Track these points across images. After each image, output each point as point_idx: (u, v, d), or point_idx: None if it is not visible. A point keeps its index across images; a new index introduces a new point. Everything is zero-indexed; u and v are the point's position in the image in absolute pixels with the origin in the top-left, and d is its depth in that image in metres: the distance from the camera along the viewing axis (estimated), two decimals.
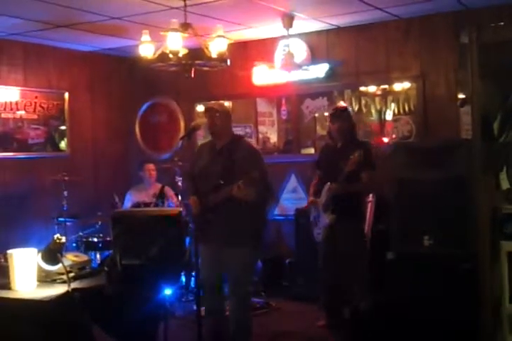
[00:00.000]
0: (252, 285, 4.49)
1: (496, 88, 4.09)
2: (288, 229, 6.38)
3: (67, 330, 3.15)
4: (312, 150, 6.78)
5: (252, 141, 6.54)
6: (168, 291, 3.41)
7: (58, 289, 3.24)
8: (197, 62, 5.11)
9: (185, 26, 4.96)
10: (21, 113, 6.65)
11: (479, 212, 3.70)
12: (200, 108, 7.17)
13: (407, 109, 6.20)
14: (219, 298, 4.35)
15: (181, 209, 3.86)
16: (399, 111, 6.25)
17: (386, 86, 6.33)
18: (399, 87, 6.24)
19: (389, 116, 6.32)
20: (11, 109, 6.56)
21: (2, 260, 3.72)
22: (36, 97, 6.78)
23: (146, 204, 5.98)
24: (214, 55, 5.01)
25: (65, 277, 3.31)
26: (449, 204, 4.11)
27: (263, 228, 4.41)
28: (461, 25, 5.19)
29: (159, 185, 6.35)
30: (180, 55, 4.91)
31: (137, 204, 6.18)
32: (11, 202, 6.34)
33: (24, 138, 6.68)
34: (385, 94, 6.38)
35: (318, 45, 6.54)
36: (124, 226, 3.50)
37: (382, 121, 6.41)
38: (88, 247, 5.89)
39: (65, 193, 6.13)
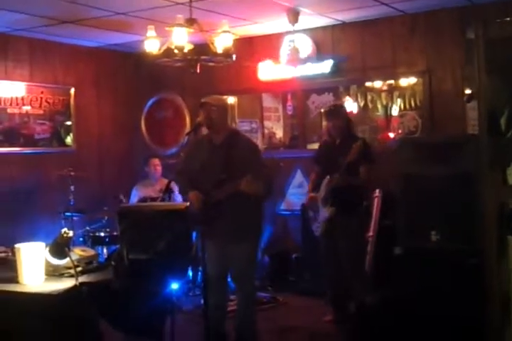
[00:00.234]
0: (256, 279, 4.51)
1: (502, 83, 4.07)
2: (294, 224, 6.38)
3: (74, 324, 3.16)
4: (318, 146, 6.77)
5: (259, 137, 6.57)
6: (175, 285, 3.41)
7: (66, 283, 3.26)
8: (202, 57, 5.10)
9: (190, 22, 4.95)
10: (27, 108, 6.66)
11: (486, 207, 3.68)
12: None
13: (413, 104, 6.19)
14: (223, 294, 4.38)
15: (188, 203, 3.85)
16: (405, 106, 6.24)
17: (392, 81, 6.32)
18: (405, 82, 6.23)
19: (395, 111, 6.32)
20: (17, 104, 6.57)
21: (10, 254, 3.74)
22: (42, 92, 6.79)
23: (153, 199, 5.98)
24: (219, 51, 4.99)
25: (72, 271, 3.32)
26: (455, 199, 4.11)
27: (263, 222, 4.43)
28: (467, 21, 5.18)
29: (165, 180, 6.33)
30: (185, 50, 4.90)
31: (144, 199, 6.19)
32: (18, 197, 6.36)
33: (30, 134, 6.69)
34: (391, 90, 6.38)
35: (324, 41, 6.52)
36: (130, 221, 3.50)
37: (388, 116, 6.41)
38: (95, 242, 5.91)
39: (72, 188, 6.15)
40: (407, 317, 3.91)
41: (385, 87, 6.41)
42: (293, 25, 6.11)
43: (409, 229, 4.28)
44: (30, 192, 6.48)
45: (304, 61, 6.45)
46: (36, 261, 3.32)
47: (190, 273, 5.86)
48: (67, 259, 3.39)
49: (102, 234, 5.96)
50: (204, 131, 4.48)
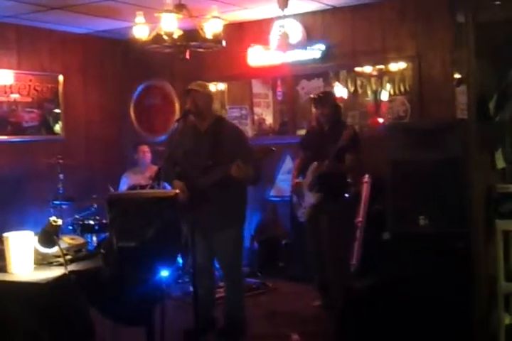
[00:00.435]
0: (246, 266, 4.54)
1: (491, 68, 4.07)
2: (284, 210, 6.39)
3: (63, 312, 3.16)
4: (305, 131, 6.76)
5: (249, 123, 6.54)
6: (164, 273, 3.41)
7: (55, 272, 3.24)
8: (192, 43, 5.08)
9: (179, 7, 4.92)
10: (15, 96, 6.61)
11: (474, 191, 3.70)
12: None
13: (402, 89, 6.18)
14: (211, 280, 4.42)
15: (178, 190, 3.84)
16: (394, 91, 6.23)
17: (382, 66, 6.30)
18: (395, 67, 6.21)
19: (385, 96, 6.30)
20: (5, 92, 6.52)
21: None
22: (30, 80, 6.74)
23: (142, 187, 5.96)
24: (209, 36, 4.97)
25: (61, 260, 3.31)
26: (444, 184, 4.13)
27: (246, 208, 4.46)
28: (457, 5, 5.16)
29: (155, 167, 6.32)
30: (174, 36, 4.87)
31: (133, 187, 6.17)
32: (6, 186, 6.33)
33: (18, 122, 6.65)
34: (381, 75, 6.35)
35: (314, 26, 6.50)
36: (119, 208, 3.48)
37: (377, 101, 6.39)
38: (84, 230, 5.89)
39: (61, 176, 6.12)
40: (395, 301, 3.93)
41: (374, 72, 6.38)
42: (283, 10, 6.06)
43: (397, 214, 4.30)
44: (18, 181, 6.45)
45: (294, 46, 6.41)
46: (25, 250, 3.30)
47: (180, 260, 5.87)
48: (56, 248, 3.38)
49: (91, 222, 5.94)
50: (192, 117, 4.47)
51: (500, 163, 3.92)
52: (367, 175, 5.59)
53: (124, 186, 6.44)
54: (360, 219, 5.44)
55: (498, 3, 3.99)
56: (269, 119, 7.24)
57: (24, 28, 6.63)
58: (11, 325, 3.12)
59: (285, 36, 6.44)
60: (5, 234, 3.32)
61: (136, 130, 7.63)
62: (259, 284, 5.79)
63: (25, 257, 3.31)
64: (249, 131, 6.99)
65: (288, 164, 6.46)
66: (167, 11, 4.76)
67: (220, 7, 5.21)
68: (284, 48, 6.45)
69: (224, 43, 5.18)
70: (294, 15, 6.43)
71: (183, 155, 4.29)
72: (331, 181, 4.87)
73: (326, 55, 6.35)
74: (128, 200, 3.61)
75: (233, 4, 6.00)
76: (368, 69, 6.40)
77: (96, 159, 7.24)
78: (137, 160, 6.67)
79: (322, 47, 6.34)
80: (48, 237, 3.41)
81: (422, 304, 3.82)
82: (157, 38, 4.97)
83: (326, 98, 5.13)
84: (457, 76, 5.57)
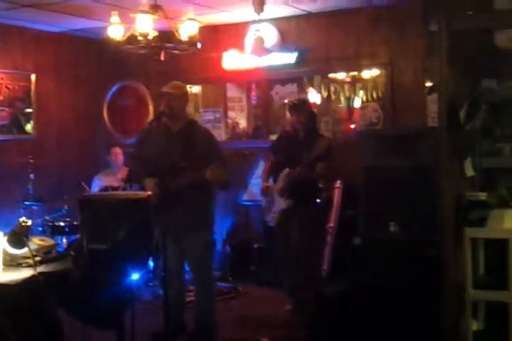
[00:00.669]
0: (217, 270, 4.54)
1: (463, 76, 4.13)
2: (256, 215, 6.38)
3: (32, 314, 3.14)
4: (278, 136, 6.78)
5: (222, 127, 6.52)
6: (135, 276, 3.40)
7: (24, 273, 3.23)
8: (167, 45, 5.07)
9: (155, 8, 4.91)
10: None
11: (444, 199, 3.75)
12: None
13: (375, 96, 6.25)
14: (181, 284, 4.42)
15: (150, 192, 3.82)
16: (367, 98, 6.29)
17: (355, 73, 6.36)
18: (368, 74, 6.27)
19: (357, 103, 6.36)
20: None
21: None
22: (2, 78, 6.64)
23: (114, 189, 5.93)
24: (184, 38, 4.97)
25: (30, 261, 3.29)
26: (415, 191, 4.17)
27: (215, 210, 4.49)
28: (430, 14, 5.23)
29: (127, 169, 6.30)
30: (149, 37, 4.86)
31: (105, 189, 6.12)
32: None
33: None
34: (354, 81, 6.41)
35: (289, 31, 6.53)
36: (91, 210, 3.46)
37: (350, 108, 6.45)
38: (54, 231, 5.83)
39: (31, 176, 6.05)
40: (365, 306, 3.96)
41: (348, 79, 6.44)
42: (258, 14, 6.08)
43: (369, 219, 4.33)
44: None
45: (269, 51, 6.44)
46: None
47: (151, 263, 5.84)
48: (26, 249, 3.35)
49: (62, 224, 5.88)
50: (165, 119, 4.46)
51: (470, 172, 3.98)
52: (339, 181, 5.62)
53: (95, 188, 6.39)
54: (331, 224, 5.47)
55: (470, 12, 4.06)
56: (242, 123, 7.26)
57: None
58: None
59: (260, 40, 6.46)
60: None
61: (109, 131, 7.57)
62: (230, 288, 5.78)
63: None
64: (222, 134, 6.99)
65: (261, 168, 6.45)
66: (142, 11, 4.75)
67: (196, 9, 5.21)
68: (259, 52, 6.47)
69: (199, 46, 5.18)
70: (269, 20, 6.45)
71: (155, 155, 4.27)
72: (302, 187, 4.91)
73: (300, 61, 6.38)
74: (100, 202, 3.60)
75: (209, 7, 6.00)
76: (341, 75, 6.45)
77: (68, 160, 7.16)
78: (110, 162, 6.63)
79: (297, 52, 6.36)
80: (18, 238, 3.38)
81: (393, 310, 3.86)
82: (132, 39, 4.96)
83: (302, 105, 5.16)
84: (429, 84, 5.64)
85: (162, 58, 5.14)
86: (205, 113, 7.18)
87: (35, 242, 3.60)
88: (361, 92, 6.32)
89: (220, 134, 6.87)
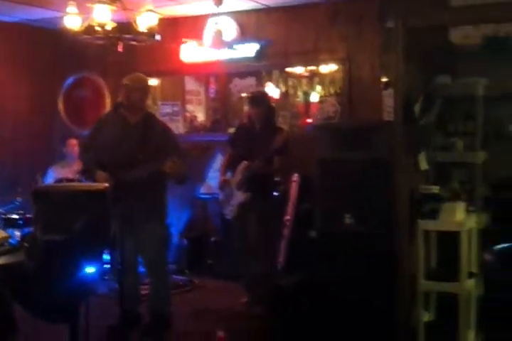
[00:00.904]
0: (174, 263, 4.52)
1: (418, 72, 4.21)
2: (213, 208, 6.39)
3: None
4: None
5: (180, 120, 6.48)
6: (91, 268, 3.36)
7: None
8: (125, 36, 5.02)
9: None
10: None
11: (398, 191, 3.82)
12: None
13: (332, 90, 6.30)
14: (135, 277, 4.40)
15: (107, 184, 3.78)
16: (325, 92, 6.34)
17: (313, 67, 6.40)
18: (325, 68, 6.32)
19: (315, 97, 6.41)
20: None
21: None
22: None
23: (69, 181, 5.85)
24: (143, 30, 4.93)
25: None
26: (370, 184, 4.21)
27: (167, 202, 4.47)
28: (387, 11, 5.30)
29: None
30: (108, 28, 4.81)
31: (60, 180, 6.03)
32: None
33: None
34: (312, 76, 6.46)
35: (248, 24, 6.53)
36: (46, 201, 3.41)
37: (308, 102, 6.49)
38: (7, 224, 5.71)
39: None
40: (321, 299, 4.00)
41: (306, 73, 6.48)
42: (218, 7, 6.07)
43: (325, 212, 4.36)
44: None
45: (228, 44, 6.43)
46: None
47: (108, 256, 5.78)
48: None
49: (15, 216, 5.78)
50: (122, 110, 4.42)
51: (424, 165, 4.05)
52: (296, 174, 5.66)
53: (50, 179, 6.29)
54: (288, 217, 5.51)
55: (426, 9, 4.13)
56: (200, 116, 7.23)
57: None
58: None
59: (219, 33, 6.45)
60: None
61: (65, 122, 7.46)
62: (186, 281, 5.78)
63: None
64: (180, 127, 6.97)
65: (218, 162, 6.46)
66: (100, 2, 4.69)
67: (155, 1, 5.14)
68: (218, 45, 6.46)
69: (158, 37, 5.14)
70: (229, 13, 6.45)
71: (110, 145, 4.22)
72: (259, 181, 4.93)
73: (259, 54, 6.39)
74: (55, 193, 3.54)
75: None
76: (299, 69, 6.49)
77: (22, 151, 7.02)
78: (65, 154, 6.54)
79: (256, 46, 6.37)
80: None
81: (348, 303, 3.90)
82: (89, 29, 4.89)
83: (261, 98, 5.18)
84: (384, 79, 5.72)
85: (120, 49, 5.09)
86: (163, 106, 7.14)
87: None
88: (319, 87, 6.36)
89: (178, 127, 6.84)
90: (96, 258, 3.48)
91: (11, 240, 3.85)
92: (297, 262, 4.82)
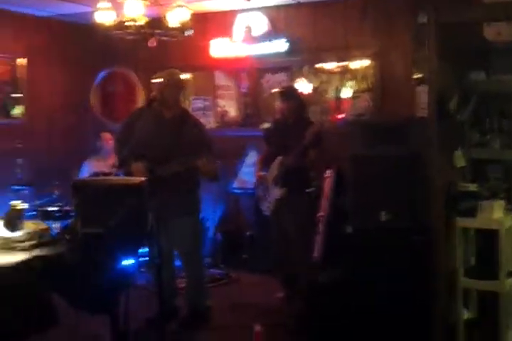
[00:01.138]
0: (209, 257, 4.55)
1: (451, 67, 4.18)
2: (246, 203, 6.41)
3: (26, 297, 3.15)
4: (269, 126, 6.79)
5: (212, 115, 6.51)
6: (129, 261, 3.42)
7: (18, 256, 3.23)
8: (157, 31, 5.06)
9: None
10: None
11: (434, 189, 3.80)
12: None
13: (364, 86, 6.27)
14: (172, 270, 4.44)
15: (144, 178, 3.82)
16: (356, 88, 6.31)
17: (344, 63, 6.36)
18: (357, 64, 6.28)
19: (346, 93, 6.39)
20: None
21: None
22: None
23: (105, 174, 5.90)
24: (174, 25, 4.96)
25: (24, 244, 3.30)
26: (404, 180, 4.20)
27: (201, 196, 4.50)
28: (419, 5, 5.26)
29: None
30: (140, 23, 4.85)
31: (96, 174, 6.10)
32: None
33: None
34: (343, 72, 6.42)
35: (278, 20, 6.52)
36: (85, 194, 3.47)
37: (339, 98, 6.47)
38: (45, 216, 5.78)
39: (20, 161, 6.02)
40: (357, 296, 4.00)
41: (337, 69, 6.45)
42: (248, 1, 6.09)
43: (359, 209, 4.37)
44: None
45: (259, 39, 6.45)
46: None
47: (146, 249, 5.83)
48: (19, 232, 3.37)
49: (53, 209, 5.85)
50: (157, 105, 4.46)
51: (460, 162, 4.04)
52: (329, 170, 5.66)
53: (85, 173, 6.36)
54: (322, 213, 5.51)
55: (459, 4, 4.11)
56: (232, 111, 7.23)
57: None
58: None
59: (249, 29, 6.47)
60: None
61: (98, 117, 7.53)
62: (222, 275, 5.79)
63: None
64: (212, 122, 6.99)
65: (251, 156, 6.47)
66: None
67: None
68: (248, 41, 6.48)
69: (191, 32, 5.17)
70: (259, 8, 6.45)
71: (144, 139, 4.25)
72: (295, 176, 4.94)
73: (290, 50, 6.38)
74: (94, 186, 3.60)
75: None
76: (330, 65, 6.47)
77: (58, 144, 7.11)
78: (100, 148, 6.60)
79: (287, 41, 6.37)
80: (12, 221, 3.40)
81: (383, 298, 3.90)
82: (121, 24, 4.93)
83: (291, 92, 5.21)
84: (417, 75, 5.68)
85: (151, 44, 5.14)
86: (195, 101, 7.18)
87: (29, 226, 3.62)
88: (350, 83, 6.34)
89: (210, 122, 6.88)
90: (134, 251, 3.54)
91: (51, 232, 3.91)
92: (333, 258, 4.83)
